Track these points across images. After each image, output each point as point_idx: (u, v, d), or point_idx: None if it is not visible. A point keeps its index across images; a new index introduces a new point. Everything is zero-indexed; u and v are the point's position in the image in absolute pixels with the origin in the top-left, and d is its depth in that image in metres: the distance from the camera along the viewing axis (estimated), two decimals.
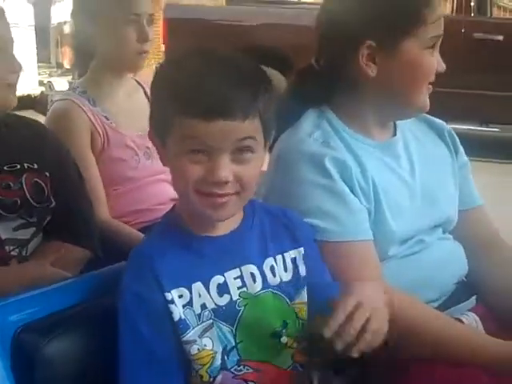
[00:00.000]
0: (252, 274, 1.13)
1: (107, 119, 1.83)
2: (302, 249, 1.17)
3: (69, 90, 1.92)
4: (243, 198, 1.10)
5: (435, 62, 1.32)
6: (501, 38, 5.88)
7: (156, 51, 9.10)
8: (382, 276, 1.26)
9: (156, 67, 1.13)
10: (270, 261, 1.14)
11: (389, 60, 1.30)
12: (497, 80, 5.77)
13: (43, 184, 1.51)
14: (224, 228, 1.13)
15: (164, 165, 1.12)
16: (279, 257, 1.15)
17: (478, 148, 6.06)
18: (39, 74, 7.94)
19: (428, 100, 1.35)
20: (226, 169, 1.04)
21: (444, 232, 1.44)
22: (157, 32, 8.36)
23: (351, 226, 1.25)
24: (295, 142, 1.30)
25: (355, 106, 1.36)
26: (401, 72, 1.30)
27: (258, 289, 1.13)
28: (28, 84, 7.47)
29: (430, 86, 1.35)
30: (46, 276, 1.35)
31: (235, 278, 1.12)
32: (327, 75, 1.35)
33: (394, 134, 1.42)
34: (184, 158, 1.05)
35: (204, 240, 1.12)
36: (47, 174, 1.52)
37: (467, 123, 6.36)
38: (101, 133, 1.80)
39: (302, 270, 1.16)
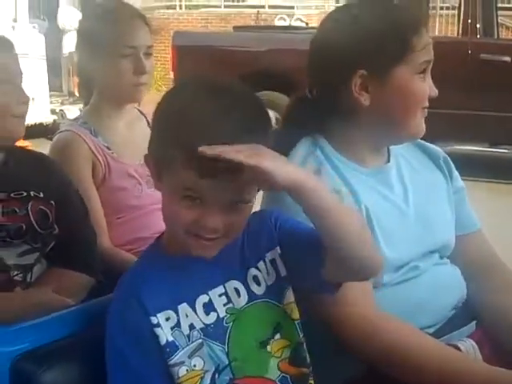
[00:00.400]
0: (236, 289, 1.14)
1: (108, 149, 1.86)
2: (277, 248, 1.16)
3: (71, 121, 1.96)
4: (231, 239, 1.11)
5: (427, 87, 1.34)
6: (508, 58, 5.89)
7: (165, 77, 9.21)
8: (374, 303, 1.26)
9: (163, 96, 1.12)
10: (252, 271, 1.15)
11: (381, 88, 1.32)
12: (505, 101, 5.76)
13: (48, 211, 1.55)
14: None
15: (157, 189, 1.14)
16: (261, 263, 1.16)
17: (487, 169, 6.07)
18: (51, 103, 8.04)
19: (423, 125, 1.37)
20: (218, 219, 1.05)
21: (441, 257, 1.43)
22: (166, 59, 8.47)
23: None
24: None
25: (348, 134, 1.37)
26: (394, 99, 1.32)
27: (244, 302, 1.14)
28: (40, 113, 7.57)
29: (425, 111, 1.36)
30: (49, 303, 1.38)
31: (220, 295, 1.13)
32: (320, 105, 1.37)
33: (388, 161, 1.43)
34: (178, 201, 1.06)
35: (187, 261, 1.13)
36: (52, 202, 1.56)
37: (476, 144, 6.36)
38: (102, 163, 1.83)
39: (283, 270, 1.16)
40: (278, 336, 1.15)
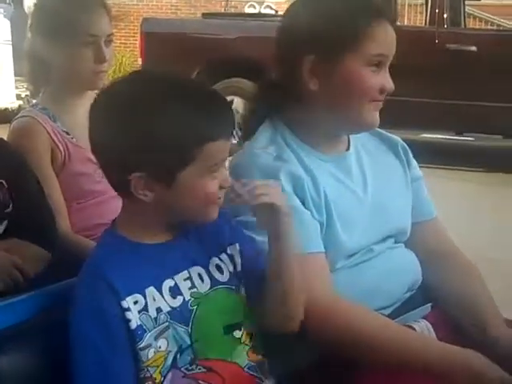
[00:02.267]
0: (199, 275, 1.17)
1: (68, 134, 1.84)
2: (237, 245, 1.22)
3: (30, 106, 1.93)
4: None
5: (378, 81, 1.33)
6: (474, 48, 5.96)
7: (134, 64, 9.13)
8: (332, 288, 1.28)
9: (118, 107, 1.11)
10: (215, 260, 1.19)
11: (329, 75, 1.33)
12: (471, 90, 5.84)
13: None
14: (167, 235, 1.17)
15: (166, 201, 1.12)
16: (223, 255, 1.20)
17: (453, 157, 6.15)
18: (16, 88, 7.93)
19: (375, 117, 1.36)
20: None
21: (396, 242, 1.46)
22: (135, 45, 8.40)
23: (302, 238, 1.26)
24: (250, 156, 1.33)
25: (304, 119, 1.38)
26: (340, 87, 1.33)
27: (207, 288, 1.17)
28: (5, 98, 7.47)
29: (379, 103, 1.36)
30: None
31: (185, 280, 1.16)
32: (281, 89, 1.38)
33: (348, 148, 1.44)
34: (205, 178, 1.11)
35: (150, 247, 1.16)
36: (3, 181, 1.54)
37: (442, 133, 6.44)
38: (61, 148, 1.82)
39: (238, 266, 1.21)
40: (245, 324, 1.19)
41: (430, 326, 1.37)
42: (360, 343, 1.24)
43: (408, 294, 1.43)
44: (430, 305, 1.45)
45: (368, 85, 1.33)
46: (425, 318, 1.41)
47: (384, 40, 1.33)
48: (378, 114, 1.37)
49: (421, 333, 1.34)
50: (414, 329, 1.34)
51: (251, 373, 1.18)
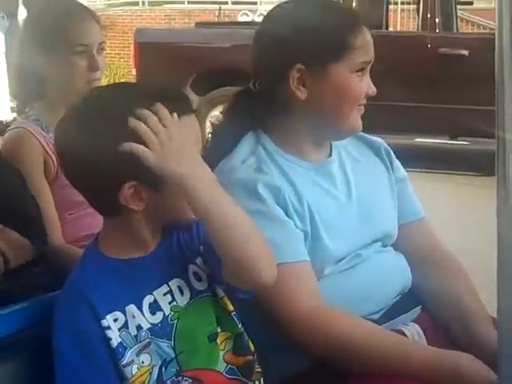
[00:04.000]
0: (179, 288, 1.17)
1: None
2: (201, 247, 1.20)
3: (23, 118, 1.94)
4: None
5: (364, 86, 1.37)
6: (466, 52, 5.99)
7: (128, 74, 9.14)
8: (319, 294, 1.29)
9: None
10: (192, 267, 1.19)
11: (318, 83, 1.34)
12: (463, 94, 5.86)
13: None
14: (149, 246, 1.17)
15: (156, 205, 1.12)
16: (199, 259, 1.19)
17: (447, 161, 6.17)
18: (11, 101, 7.92)
19: (360, 120, 1.39)
20: None
21: (384, 246, 1.46)
22: (129, 56, 8.41)
23: (286, 248, 1.26)
24: (228, 171, 1.33)
25: (289, 128, 1.39)
26: (330, 95, 1.35)
27: (187, 300, 1.17)
28: (1, 110, 7.47)
29: (362, 108, 1.39)
30: None
31: (164, 294, 1.16)
32: (262, 98, 1.39)
33: (330, 154, 1.45)
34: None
35: (130, 263, 1.16)
36: None
37: (436, 137, 6.45)
38: (54, 159, 1.82)
39: (207, 268, 1.19)
40: (219, 329, 1.18)
41: (419, 329, 1.37)
42: (348, 351, 1.24)
43: (397, 298, 1.42)
44: (419, 308, 1.45)
45: (357, 91, 1.36)
46: (415, 321, 1.40)
47: (368, 47, 1.36)
48: (360, 117, 1.39)
49: (411, 338, 1.34)
50: (404, 333, 1.34)
51: (230, 376, 1.17)
